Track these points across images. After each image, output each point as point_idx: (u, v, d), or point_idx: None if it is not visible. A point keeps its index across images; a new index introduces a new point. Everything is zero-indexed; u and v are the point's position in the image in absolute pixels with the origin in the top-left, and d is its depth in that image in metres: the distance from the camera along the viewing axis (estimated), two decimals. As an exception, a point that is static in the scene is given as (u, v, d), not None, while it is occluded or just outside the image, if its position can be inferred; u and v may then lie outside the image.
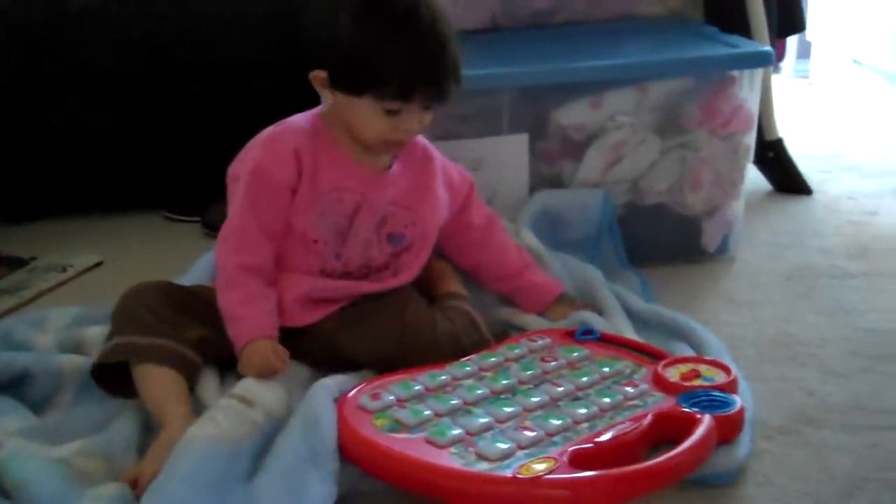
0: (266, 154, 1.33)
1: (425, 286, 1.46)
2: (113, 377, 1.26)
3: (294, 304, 1.33)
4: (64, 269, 1.88)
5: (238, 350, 1.26)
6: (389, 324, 1.31)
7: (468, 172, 1.53)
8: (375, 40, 1.26)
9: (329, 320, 1.33)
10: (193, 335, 1.28)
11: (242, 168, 1.34)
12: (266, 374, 1.21)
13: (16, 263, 1.93)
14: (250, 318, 1.27)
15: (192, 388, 1.25)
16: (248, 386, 1.19)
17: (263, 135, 1.36)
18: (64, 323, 1.48)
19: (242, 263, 1.30)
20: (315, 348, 1.32)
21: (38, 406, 1.29)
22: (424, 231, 1.41)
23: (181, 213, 2.18)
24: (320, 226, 1.34)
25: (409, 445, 1.10)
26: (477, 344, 1.35)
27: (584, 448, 1.08)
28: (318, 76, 1.32)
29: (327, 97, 1.34)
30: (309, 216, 1.33)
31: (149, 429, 1.21)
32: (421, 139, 1.45)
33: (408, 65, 1.25)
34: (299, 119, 1.38)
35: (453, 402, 1.19)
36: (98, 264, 1.93)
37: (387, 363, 1.29)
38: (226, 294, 1.29)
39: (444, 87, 1.29)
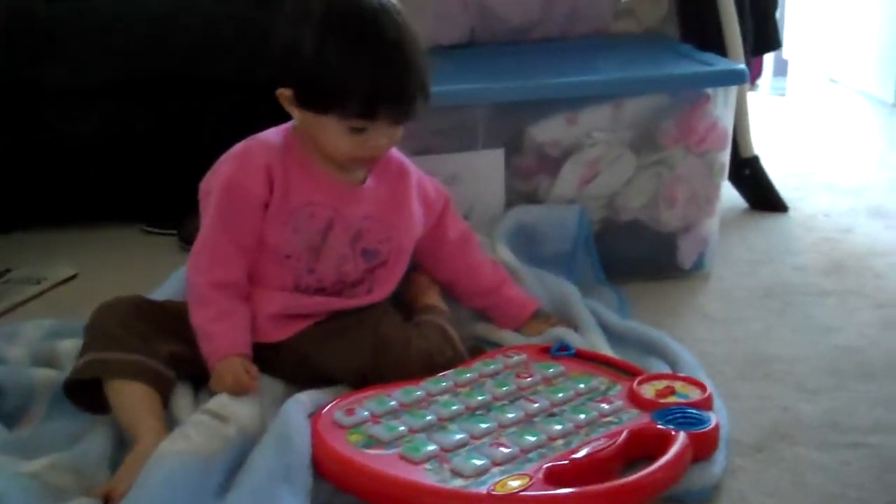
0: (237, 169, 1.32)
1: (405, 299, 1.46)
2: (85, 393, 1.25)
3: (267, 319, 1.32)
4: (38, 282, 1.87)
5: (211, 367, 1.25)
6: (363, 339, 1.30)
7: (444, 187, 1.53)
8: (338, 59, 1.24)
9: (303, 336, 1.33)
10: (166, 350, 1.27)
11: (214, 183, 1.33)
12: (237, 392, 1.21)
13: (-11, 276, 1.92)
14: (222, 335, 1.27)
15: (165, 403, 1.24)
16: (221, 401, 1.18)
17: (234, 150, 1.35)
18: (37, 336, 1.48)
19: (214, 280, 1.29)
20: (289, 363, 1.32)
21: (9, 419, 1.28)
22: (399, 246, 1.41)
23: (158, 226, 2.17)
24: (293, 241, 1.33)
25: (384, 461, 1.10)
26: (451, 361, 1.34)
27: (559, 465, 1.07)
28: (283, 94, 1.31)
29: (295, 114, 1.33)
30: (282, 232, 1.32)
31: (122, 444, 1.20)
32: (396, 153, 1.44)
33: (370, 84, 1.24)
34: (271, 134, 1.37)
35: (428, 417, 1.19)
36: (73, 277, 1.92)
37: (361, 378, 1.29)
38: (198, 311, 1.29)
39: (409, 105, 1.28)
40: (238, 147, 1.35)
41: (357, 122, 1.27)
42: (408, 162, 1.46)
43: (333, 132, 1.29)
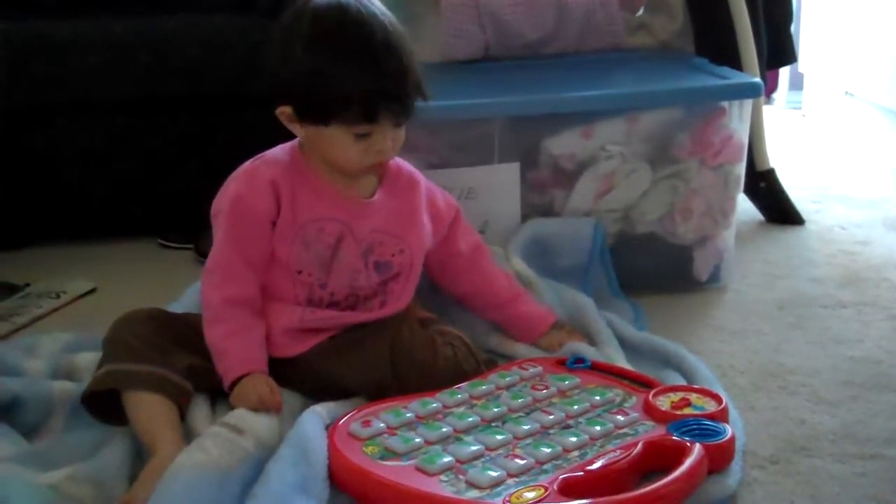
0: (244, 187, 1.33)
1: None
2: (103, 404, 1.26)
3: (282, 334, 1.33)
4: (57, 296, 1.88)
5: (227, 384, 1.26)
6: (381, 351, 1.31)
7: (454, 199, 1.53)
8: (332, 67, 1.25)
9: (318, 350, 1.34)
10: (184, 363, 1.28)
11: (223, 202, 1.34)
12: (260, 409, 1.21)
13: (9, 290, 1.93)
14: (238, 352, 1.28)
15: (183, 415, 1.25)
16: (239, 415, 1.19)
17: (241, 169, 1.36)
18: (56, 349, 1.48)
19: (228, 297, 1.30)
20: (305, 377, 1.32)
21: (28, 432, 1.29)
22: (412, 259, 1.41)
23: (175, 240, 2.18)
24: (303, 257, 1.33)
25: (400, 473, 1.10)
26: (475, 370, 1.35)
27: (574, 476, 1.08)
28: (284, 112, 1.31)
29: (298, 131, 1.33)
30: (291, 247, 1.33)
31: (139, 455, 1.21)
32: (406, 166, 1.45)
33: (368, 86, 1.25)
34: (277, 151, 1.38)
35: (444, 429, 1.19)
36: (91, 291, 1.93)
37: (378, 390, 1.29)
38: (213, 329, 1.30)
39: (408, 103, 1.29)
40: (245, 166, 1.36)
41: (360, 127, 1.27)
42: (417, 174, 1.47)
43: (339, 141, 1.29)
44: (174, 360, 1.27)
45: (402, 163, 1.44)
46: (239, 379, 1.26)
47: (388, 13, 1.31)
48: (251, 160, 1.37)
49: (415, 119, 1.32)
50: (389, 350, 1.31)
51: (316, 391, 1.31)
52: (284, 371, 1.31)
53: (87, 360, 1.40)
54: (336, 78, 1.25)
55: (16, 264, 2.11)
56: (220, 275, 1.32)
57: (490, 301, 1.52)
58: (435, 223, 1.46)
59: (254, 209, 1.32)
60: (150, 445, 1.19)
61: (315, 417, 1.20)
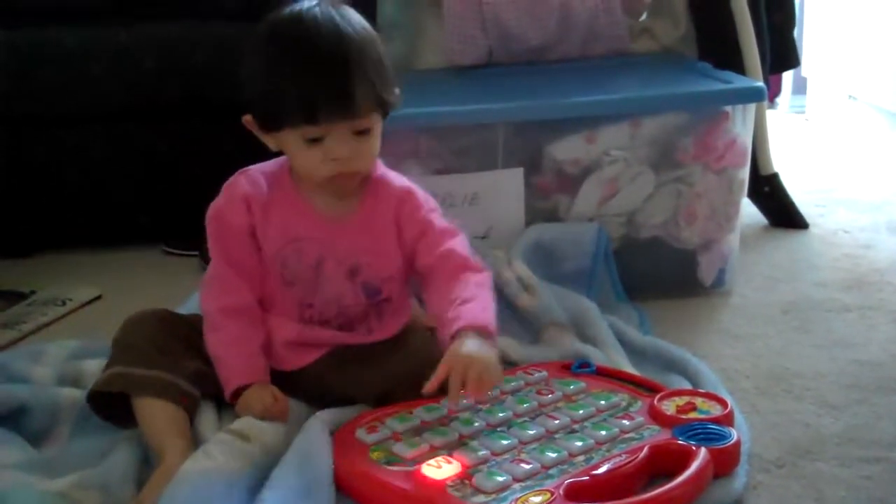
0: (223, 200, 1.33)
1: None
2: (109, 404, 1.27)
3: (283, 347, 1.33)
4: (63, 303, 1.89)
5: (227, 394, 1.27)
6: (386, 365, 1.31)
7: (428, 213, 1.36)
8: (274, 71, 1.23)
9: (320, 363, 1.33)
10: (191, 367, 1.28)
11: (208, 215, 1.34)
12: (265, 418, 1.22)
13: (15, 297, 1.94)
14: (237, 362, 1.28)
15: (191, 421, 1.26)
16: (245, 422, 1.19)
17: (229, 180, 1.35)
18: (62, 356, 1.49)
19: (223, 307, 1.30)
20: (308, 389, 1.32)
21: (35, 439, 1.30)
22: (402, 284, 1.38)
23: (179, 247, 2.19)
24: (287, 275, 1.32)
25: (406, 478, 1.10)
26: None
27: (580, 481, 1.08)
28: (247, 121, 1.29)
29: (267, 141, 1.30)
30: (274, 265, 1.32)
31: (147, 461, 1.21)
32: (391, 178, 1.36)
33: (306, 87, 1.21)
34: (266, 165, 1.35)
35: (449, 435, 1.19)
36: (97, 298, 1.93)
37: (384, 400, 1.29)
38: (211, 338, 1.30)
39: (354, 104, 1.22)
40: (232, 177, 1.35)
41: (308, 130, 1.23)
42: (398, 185, 1.36)
43: (295, 148, 1.26)
44: (182, 365, 1.27)
45: (387, 177, 1.36)
46: (239, 389, 1.26)
47: (359, 22, 1.27)
48: (241, 171, 1.35)
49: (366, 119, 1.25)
50: (395, 364, 1.30)
51: (319, 402, 1.30)
52: (288, 383, 1.31)
53: (94, 366, 1.40)
54: (277, 80, 1.23)
55: (22, 272, 2.12)
56: (216, 286, 1.32)
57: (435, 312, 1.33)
58: (402, 240, 1.35)
59: (231, 223, 1.32)
60: (159, 452, 1.19)
61: (321, 423, 1.20)
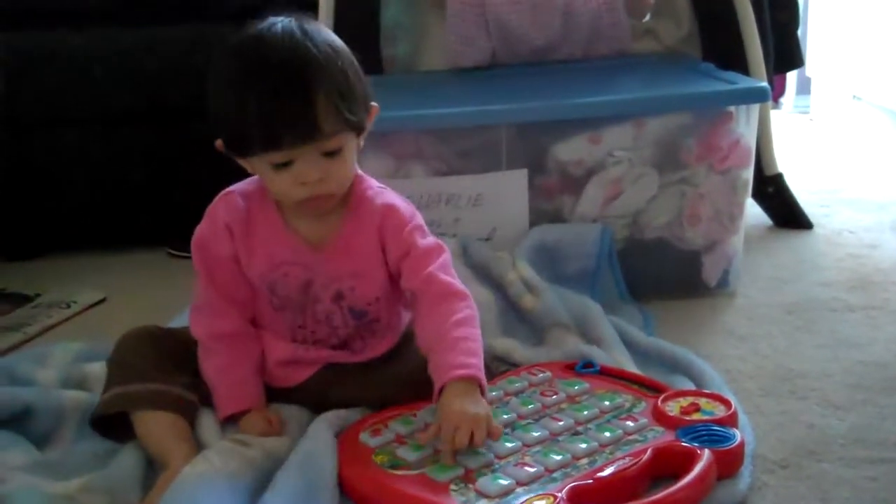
0: (206, 228, 1.31)
1: None
2: (112, 425, 1.27)
3: (276, 366, 1.32)
4: (68, 306, 1.89)
5: (222, 417, 1.26)
6: (384, 374, 1.31)
7: (411, 233, 1.30)
8: (233, 93, 1.18)
9: (316, 378, 1.32)
10: (187, 378, 1.28)
11: (192, 241, 1.32)
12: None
13: (20, 300, 1.94)
14: (229, 389, 1.28)
15: (192, 426, 1.26)
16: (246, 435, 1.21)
17: (212, 203, 1.32)
18: (67, 359, 1.49)
19: (214, 333, 1.30)
20: (308, 402, 1.31)
21: (40, 441, 1.29)
22: (389, 306, 1.35)
23: (183, 249, 2.18)
24: (274, 299, 1.31)
25: (410, 482, 1.10)
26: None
27: (584, 484, 1.07)
28: (219, 145, 1.25)
29: (243, 163, 1.26)
30: (262, 289, 1.31)
31: (152, 465, 1.21)
32: (375, 195, 1.31)
33: (263, 111, 1.15)
34: (248, 185, 1.32)
35: (453, 437, 1.19)
36: (102, 301, 1.94)
37: (385, 405, 1.29)
38: (205, 362, 1.30)
39: (313, 125, 1.16)
40: (215, 200, 1.32)
41: (272, 155, 1.18)
42: (381, 201, 1.31)
43: (265, 173, 1.22)
44: (177, 376, 1.28)
45: (369, 193, 1.31)
46: (232, 416, 1.26)
47: (324, 40, 1.21)
48: (219, 195, 1.32)
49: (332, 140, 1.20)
50: (392, 373, 1.30)
51: (321, 411, 1.29)
52: (286, 397, 1.31)
53: (98, 369, 1.40)
54: (239, 104, 1.17)
55: (26, 275, 2.13)
56: (205, 312, 1.31)
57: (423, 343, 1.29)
58: (386, 260, 1.32)
59: (215, 252, 1.30)
60: (163, 458, 1.19)
61: (324, 426, 1.20)
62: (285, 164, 1.19)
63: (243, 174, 1.32)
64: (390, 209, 1.30)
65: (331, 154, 1.20)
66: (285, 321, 1.32)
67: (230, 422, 1.26)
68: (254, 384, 1.30)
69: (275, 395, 1.30)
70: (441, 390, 1.18)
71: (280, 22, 1.20)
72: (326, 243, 1.29)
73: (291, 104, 1.16)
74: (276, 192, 1.25)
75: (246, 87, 1.17)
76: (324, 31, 1.23)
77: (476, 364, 1.20)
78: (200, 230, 1.31)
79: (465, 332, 1.23)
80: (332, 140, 1.19)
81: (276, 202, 1.29)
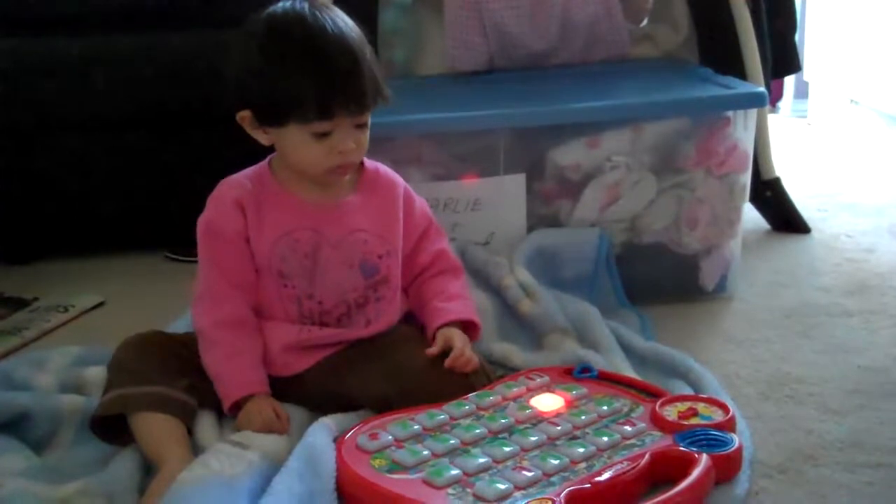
0: (212, 211, 1.34)
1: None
2: (109, 427, 1.27)
3: (280, 353, 1.33)
4: (66, 310, 1.89)
5: (227, 407, 1.27)
6: (384, 366, 1.31)
7: (430, 210, 1.48)
8: (285, 66, 1.25)
9: (319, 367, 1.33)
10: (186, 382, 1.29)
11: (197, 229, 1.35)
12: (266, 432, 1.22)
13: (18, 304, 1.94)
14: (236, 375, 1.28)
15: (189, 430, 1.26)
16: (244, 434, 1.20)
17: (211, 195, 1.36)
18: (65, 363, 1.49)
19: (219, 320, 1.31)
20: (308, 394, 1.32)
21: (38, 446, 1.30)
22: (398, 260, 1.40)
23: (182, 253, 2.19)
24: (285, 269, 1.33)
25: (407, 486, 1.10)
26: (483, 384, 1.34)
27: (581, 488, 1.07)
28: (244, 117, 1.31)
29: (261, 137, 1.33)
30: (271, 262, 1.33)
31: (150, 468, 1.21)
32: (385, 169, 1.43)
33: (322, 83, 1.24)
34: (244, 172, 1.38)
35: (451, 442, 1.19)
36: (100, 305, 1.94)
37: (384, 404, 1.29)
38: (208, 355, 1.30)
39: (364, 101, 1.28)
40: (214, 191, 1.36)
41: (318, 125, 1.26)
42: (397, 177, 1.44)
43: (299, 143, 1.29)
44: (176, 380, 1.28)
45: (380, 166, 1.43)
46: (239, 401, 1.27)
47: (350, 23, 1.31)
48: (222, 181, 1.37)
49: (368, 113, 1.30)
50: (395, 364, 1.30)
51: (321, 406, 1.31)
52: (287, 389, 1.31)
53: (96, 373, 1.41)
54: (290, 76, 1.25)
55: (24, 279, 2.12)
56: (208, 299, 1.33)
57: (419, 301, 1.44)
58: (406, 231, 1.42)
59: (224, 231, 1.33)
60: (158, 461, 1.19)
61: (323, 430, 1.20)
62: (324, 135, 1.27)
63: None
64: (405, 185, 1.44)
65: (361, 126, 1.30)
66: (293, 295, 1.34)
67: (235, 412, 1.26)
68: (260, 370, 1.31)
69: (274, 386, 1.30)
70: (439, 329, 1.35)
71: (303, 4, 1.30)
72: (336, 205, 1.36)
73: (346, 77, 1.26)
74: (302, 162, 1.31)
75: (297, 61, 1.25)
76: (344, 14, 1.33)
77: (474, 315, 1.39)
78: (207, 215, 1.35)
79: (464, 293, 1.43)
80: (368, 113, 1.30)
81: (278, 180, 1.35)
